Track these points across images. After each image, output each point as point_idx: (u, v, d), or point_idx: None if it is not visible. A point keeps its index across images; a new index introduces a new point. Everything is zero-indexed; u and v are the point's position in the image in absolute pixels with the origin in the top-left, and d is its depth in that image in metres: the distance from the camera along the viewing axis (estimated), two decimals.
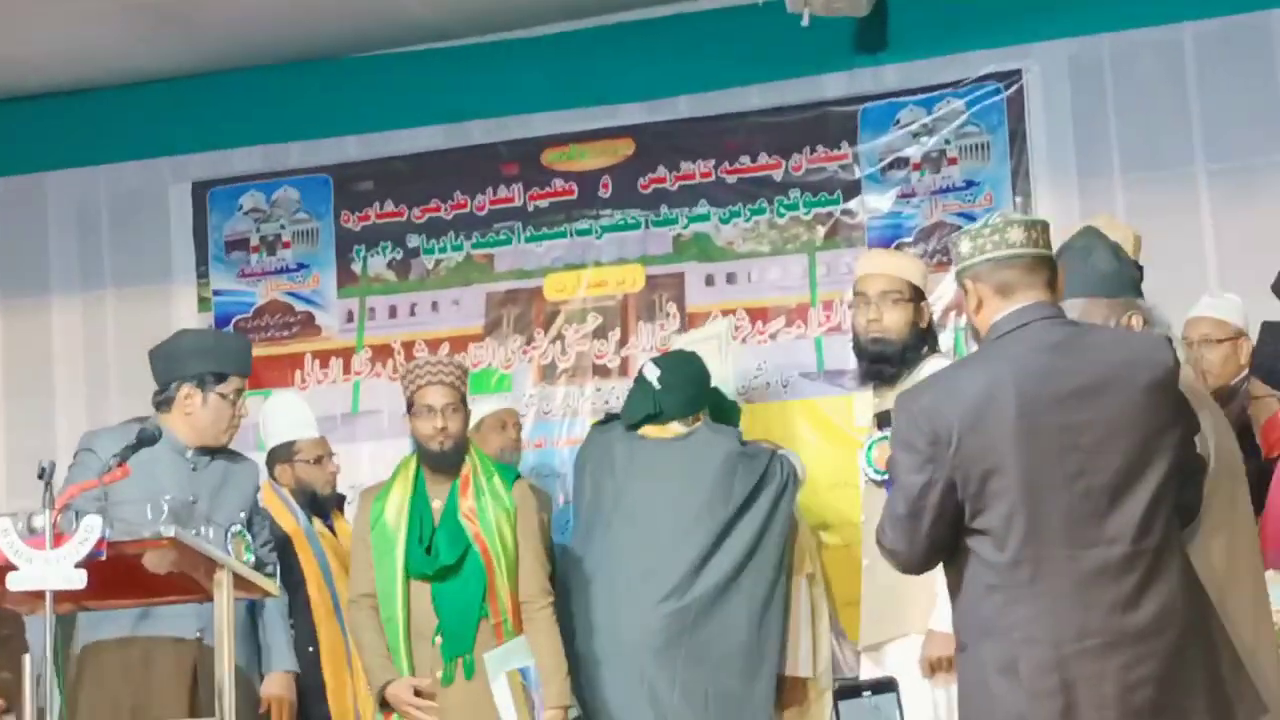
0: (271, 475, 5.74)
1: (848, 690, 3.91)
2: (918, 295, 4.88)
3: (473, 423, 6.02)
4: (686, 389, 5.38)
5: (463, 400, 5.10)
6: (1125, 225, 4.58)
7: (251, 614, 4.92)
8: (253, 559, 4.52)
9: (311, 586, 5.47)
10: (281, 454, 5.78)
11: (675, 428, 5.34)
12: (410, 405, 5.08)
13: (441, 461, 5.03)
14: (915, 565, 3.26)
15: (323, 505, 5.79)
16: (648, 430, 5.33)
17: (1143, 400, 3.14)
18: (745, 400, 6.15)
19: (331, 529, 5.76)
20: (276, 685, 5.00)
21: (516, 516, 5.03)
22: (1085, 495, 3.10)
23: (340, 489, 6.03)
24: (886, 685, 3.90)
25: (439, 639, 4.92)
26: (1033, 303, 3.21)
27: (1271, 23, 6.16)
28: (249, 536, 4.66)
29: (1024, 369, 3.14)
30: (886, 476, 3.96)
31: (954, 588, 3.23)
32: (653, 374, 5.37)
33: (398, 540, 4.94)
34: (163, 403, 4.79)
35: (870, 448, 4.74)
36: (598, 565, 5.20)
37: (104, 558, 3.68)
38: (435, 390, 5.02)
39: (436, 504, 5.01)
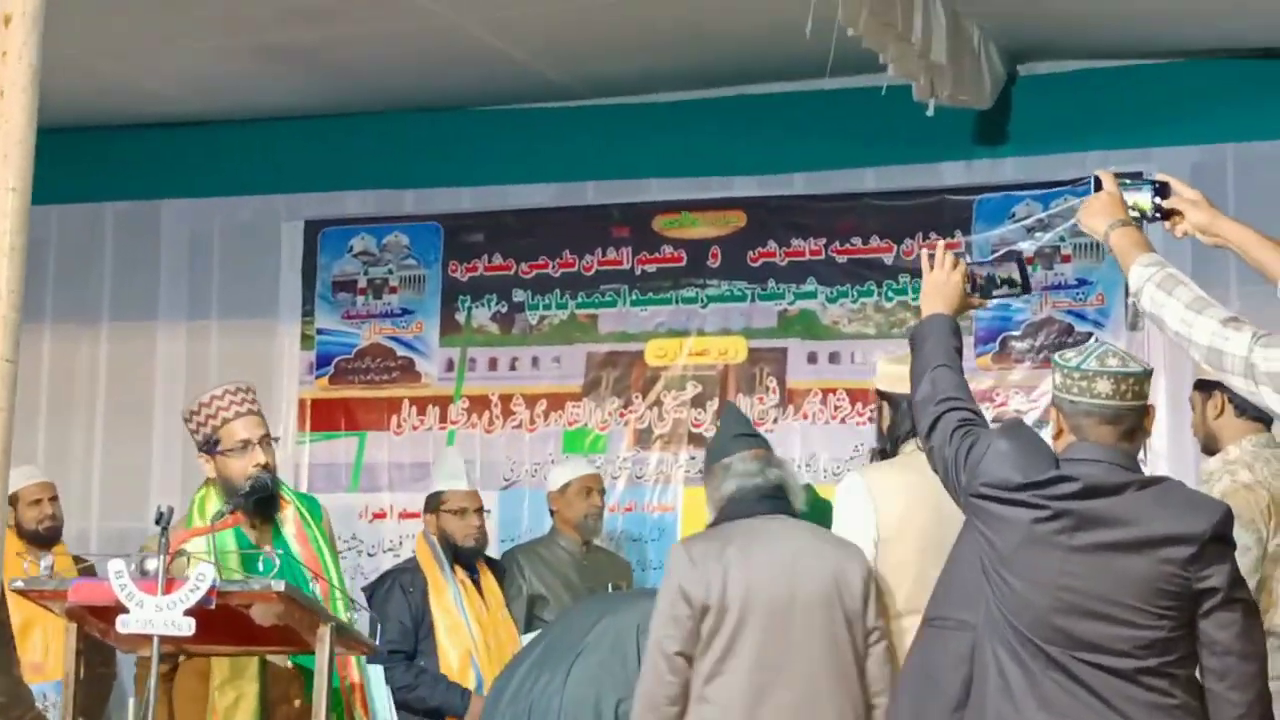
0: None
1: None
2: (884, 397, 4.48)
3: (558, 485, 6.06)
4: None
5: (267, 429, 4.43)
6: None
7: None
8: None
9: (440, 632, 5.45)
10: (431, 503, 5.74)
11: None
12: (213, 443, 4.35)
13: (269, 505, 4.35)
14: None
15: (464, 557, 5.65)
16: None
17: (1155, 564, 3.13)
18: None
19: (475, 582, 5.64)
20: None
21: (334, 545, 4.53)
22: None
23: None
24: None
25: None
26: (1098, 449, 3.22)
27: None
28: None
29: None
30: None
31: None
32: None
33: None
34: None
35: None
36: None
37: (212, 606, 3.72)
38: (247, 422, 4.35)
39: (268, 549, 4.26)
